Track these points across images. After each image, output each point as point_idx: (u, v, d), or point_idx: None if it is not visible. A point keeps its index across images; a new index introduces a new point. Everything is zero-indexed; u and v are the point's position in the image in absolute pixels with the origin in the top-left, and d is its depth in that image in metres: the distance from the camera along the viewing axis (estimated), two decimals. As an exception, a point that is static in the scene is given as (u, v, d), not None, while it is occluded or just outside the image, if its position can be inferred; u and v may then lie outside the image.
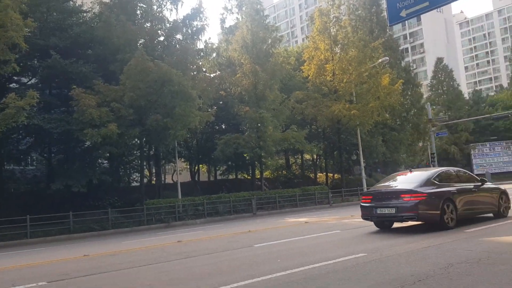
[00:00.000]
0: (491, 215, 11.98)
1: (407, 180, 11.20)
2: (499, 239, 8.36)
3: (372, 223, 11.70)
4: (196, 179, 36.75)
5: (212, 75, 30.32)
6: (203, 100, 25.13)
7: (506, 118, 46.03)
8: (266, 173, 39.29)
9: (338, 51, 33.25)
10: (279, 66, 30.11)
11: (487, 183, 12.23)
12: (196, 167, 37.26)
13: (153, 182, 32.32)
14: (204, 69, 29.74)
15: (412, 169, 12.64)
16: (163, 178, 35.28)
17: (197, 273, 7.10)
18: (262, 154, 29.30)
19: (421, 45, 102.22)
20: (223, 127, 35.66)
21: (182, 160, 36.44)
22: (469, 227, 10.19)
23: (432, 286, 4.99)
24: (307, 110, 31.79)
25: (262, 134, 28.44)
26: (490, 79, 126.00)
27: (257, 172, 32.71)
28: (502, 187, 12.88)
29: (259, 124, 28.62)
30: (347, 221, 15.29)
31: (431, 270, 5.84)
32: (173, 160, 31.37)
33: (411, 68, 52.50)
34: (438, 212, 10.09)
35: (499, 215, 11.85)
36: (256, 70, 28.81)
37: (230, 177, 38.63)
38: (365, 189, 29.65)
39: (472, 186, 11.42)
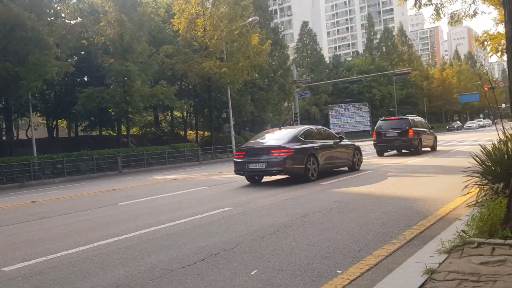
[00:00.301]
0: (346, 168, 13.28)
1: (276, 137, 11.88)
2: (350, 190, 9.26)
3: (240, 179, 12.15)
4: (54, 135, 34.02)
5: (72, 22, 27.69)
6: (61, 49, 23.13)
7: (360, 82, 50.74)
8: (134, 130, 38.02)
9: (210, 6, 32.78)
10: (147, 17, 28.70)
11: (344, 140, 13.43)
12: (54, 123, 34.41)
13: (4, 138, 29.06)
14: (63, 15, 27.06)
15: (282, 127, 13.33)
16: (15, 134, 32.00)
17: (54, 234, 6.59)
18: (129, 109, 28.17)
19: (289, 7, 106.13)
20: (85, 79, 33.22)
21: (38, 114, 33.45)
22: (326, 180, 11.13)
23: (289, 234, 5.33)
24: (177, 66, 31.08)
25: (129, 89, 27.12)
26: (348, 45, 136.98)
27: (123, 128, 31.40)
28: (356, 144, 14.25)
29: (125, 78, 27.24)
30: (216, 177, 15.61)
31: (289, 220, 6.23)
32: (27, 114, 28.55)
33: (279, 30, 54.35)
34: (303, 166, 10.88)
35: (353, 168, 13.24)
36: (122, 19, 27.08)
37: (94, 133, 36.53)
38: (234, 147, 30.46)
39: (332, 143, 12.50)
